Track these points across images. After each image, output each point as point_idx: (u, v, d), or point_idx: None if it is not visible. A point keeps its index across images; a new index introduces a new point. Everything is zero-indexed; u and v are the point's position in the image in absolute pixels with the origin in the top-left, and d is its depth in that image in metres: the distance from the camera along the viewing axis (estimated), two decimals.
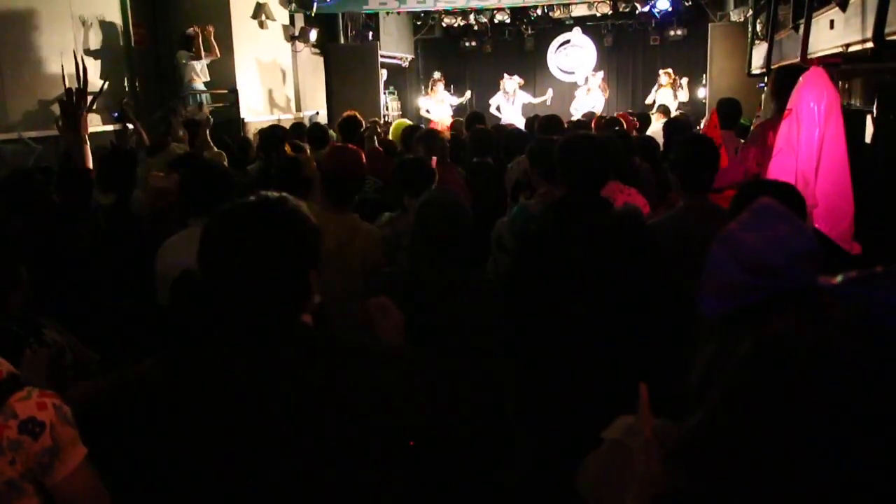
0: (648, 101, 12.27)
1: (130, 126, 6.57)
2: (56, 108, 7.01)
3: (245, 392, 1.40)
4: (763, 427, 0.74)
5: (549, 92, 13.33)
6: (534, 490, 2.69)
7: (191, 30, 8.80)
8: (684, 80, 12.36)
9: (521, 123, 10.99)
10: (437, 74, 14.41)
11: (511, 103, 12.77)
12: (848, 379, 0.72)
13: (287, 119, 10.08)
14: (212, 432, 1.40)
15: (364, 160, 3.34)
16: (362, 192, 4.67)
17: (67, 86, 3.07)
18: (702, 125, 8.72)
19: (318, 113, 11.69)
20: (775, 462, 0.73)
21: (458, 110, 13.51)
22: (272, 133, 5.77)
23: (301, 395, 1.38)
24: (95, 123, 7.66)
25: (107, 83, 6.11)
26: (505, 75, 13.24)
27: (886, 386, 0.73)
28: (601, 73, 13.86)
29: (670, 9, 13.57)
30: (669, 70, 12.35)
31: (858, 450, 0.72)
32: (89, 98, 3.08)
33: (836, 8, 5.06)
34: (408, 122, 8.78)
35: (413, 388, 1.50)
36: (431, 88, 12.90)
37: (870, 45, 4.08)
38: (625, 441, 1.13)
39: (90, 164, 2.89)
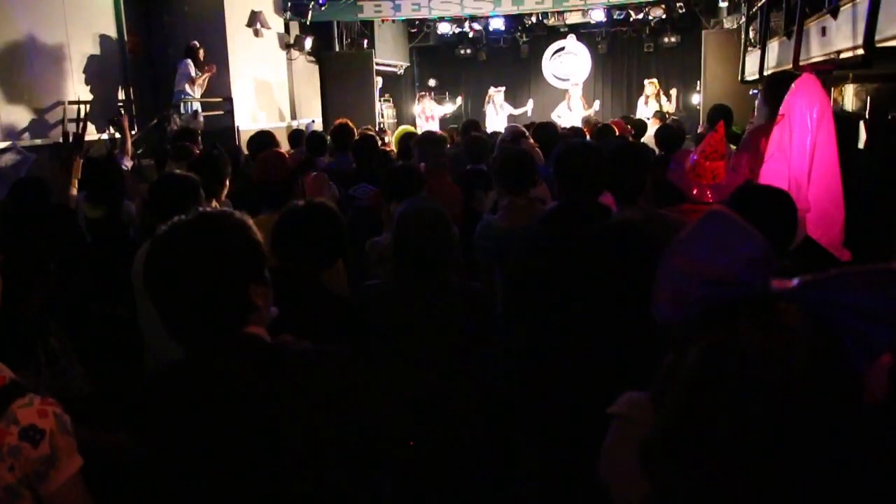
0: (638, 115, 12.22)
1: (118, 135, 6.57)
2: (50, 118, 7.05)
3: (197, 404, 1.43)
4: (708, 437, 0.74)
5: (530, 103, 13.38)
6: (536, 495, 2.69)
7: (194, 43, 8.82)
8: (673, 91, 12.36)
9: None
10: (432, 82, 14.46)
11: (497, 114, 12.90)
12: (794, 388, 0.72)
13: (282, 127, 10.08)
14: (173, 445, 1.43)
15: (286, 161, 3.38)
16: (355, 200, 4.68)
17: (65, 129, 3.17)
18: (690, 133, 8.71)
19: (313, 121, 11.70)
20: (723, 471, 0.73)
21: (453, 118, 13.57)
22: (260, 139, 5.75)
23: (248, 405, 1.40)
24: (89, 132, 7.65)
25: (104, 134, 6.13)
26: (491, 88, 13.36)
27: (834, 394, 0.73)
28: (579, 88, 13.87)
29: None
30: (654, 80, 12.33)
31: (801, 458, 0.72)
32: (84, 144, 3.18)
33: (828, 15, 5.09)
34: (410, 128, 8.79)
35: (362, 387, 1.52)
36: (419, 100, 13.09)
37: (861, 51, 4.10)
38: (629, 415, 1.13)
39: (72, 205, 2.98)
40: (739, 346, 0.74)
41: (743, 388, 0.73)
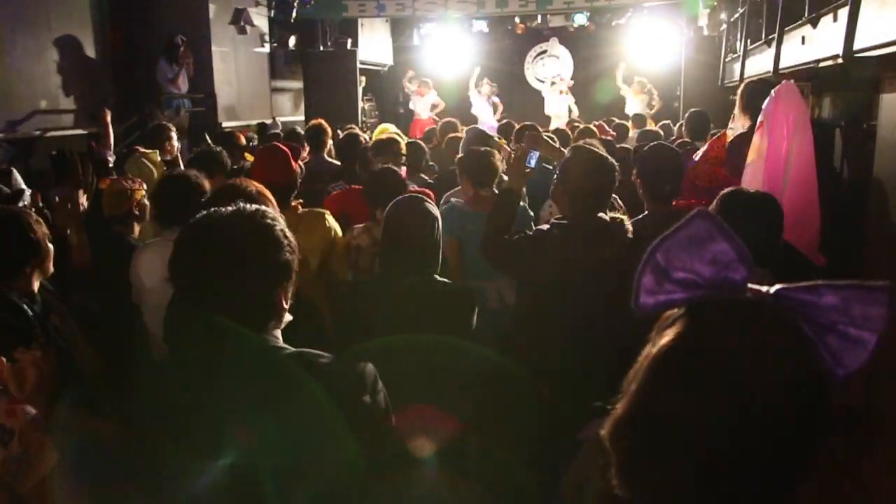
0: (627, 110, 12.18)
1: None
2: (29, 110, 6.97)
3: (196, 403, 1.38)
4: (664, 419, 0.77)
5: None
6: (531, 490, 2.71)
7: (176, 40, 8.77)
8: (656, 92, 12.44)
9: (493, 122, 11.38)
10: (410, 73, 14.73)
11: (487, 104, 13.36)
12: (757, 388, 0.74)
13: (264, 124, 10.02)
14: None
15: (292, 159, 3.26)
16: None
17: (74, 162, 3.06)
18: (675, 138, 8.79)
19: (273, 119, 11.59)
20: (673, 453, 0.77)
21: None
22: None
23: (247, 412, 1.35)
24: (67, 125, 7.60)
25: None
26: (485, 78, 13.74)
27: (799, 397, 0.76)
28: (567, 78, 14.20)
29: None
30: (643, 79, 12.34)
31: (756, 454, 0.75)
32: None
33: (808, 25, 5.17)
34: (391, 127, 8.74)
35: (368, 403, 1.46)
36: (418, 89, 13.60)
37: (840, 61, 4.17)
38: (598, 441, 1.18)
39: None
40: (707, 341, 0.77)
41: (704, 381, 0.75)
